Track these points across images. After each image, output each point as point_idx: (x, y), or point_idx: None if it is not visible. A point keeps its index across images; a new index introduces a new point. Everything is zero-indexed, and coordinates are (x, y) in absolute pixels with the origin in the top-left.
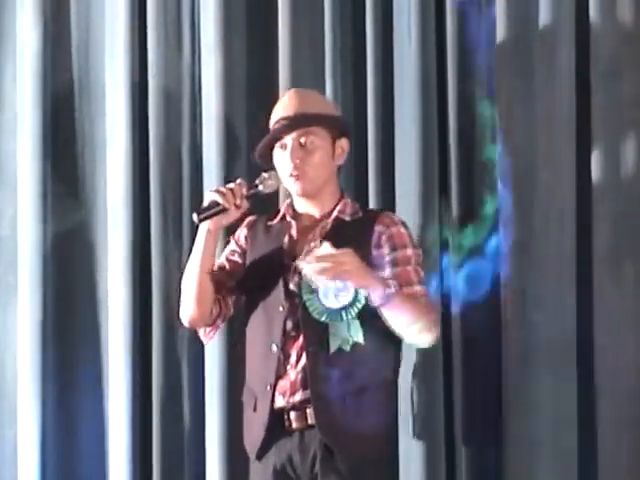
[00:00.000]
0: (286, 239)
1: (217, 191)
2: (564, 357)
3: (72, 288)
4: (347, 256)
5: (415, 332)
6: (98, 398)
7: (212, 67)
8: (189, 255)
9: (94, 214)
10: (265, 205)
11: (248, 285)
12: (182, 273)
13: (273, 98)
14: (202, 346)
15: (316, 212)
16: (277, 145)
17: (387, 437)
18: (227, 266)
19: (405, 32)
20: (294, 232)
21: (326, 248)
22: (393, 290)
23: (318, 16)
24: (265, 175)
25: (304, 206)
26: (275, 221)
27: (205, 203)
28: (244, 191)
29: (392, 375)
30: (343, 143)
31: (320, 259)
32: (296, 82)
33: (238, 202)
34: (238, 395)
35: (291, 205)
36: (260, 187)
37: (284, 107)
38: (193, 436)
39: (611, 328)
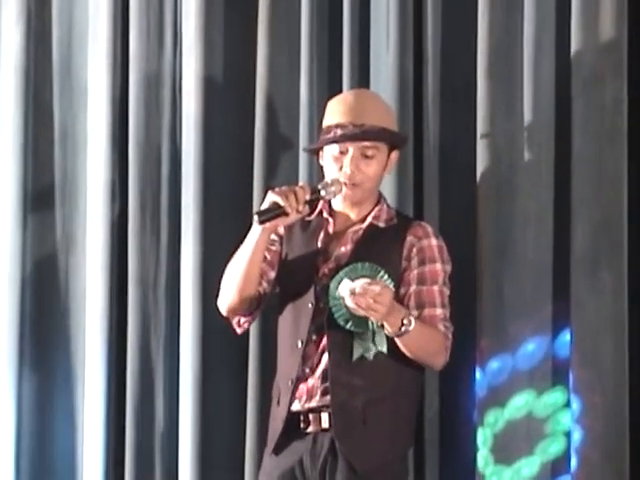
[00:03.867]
0: (321, 236)
1: (280, 193)
2: (541, 367)
3: (50, 284)
4: (384, 298)
5: (424, 358)
6: (73, 396)
7: (192, 66)
8: (167, 252)
9: (73, 209)
10: None
11: (282, 278)
12: (157, 270)
13: (251, 97)
14: (177, 345)
15: (353, 213)
16: (339, 147)
17: (402, 451)
18: (268, 256)
19: (383, 36)
20: (330, 230)
21: (376, 283)
22: (410, 328)
23: (295, 16)
24: (328, 181)
25: (342, 206)
26: (313, 216)
27: (266, 204)
28: (307, 196)
29: (414, 387)
30: (394, 155)
31: (363, 293)
32: (273, 82)
33: (300, 208)
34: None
35: (328, 202)
36: (322, 192)
37: (350, 110)
38: (166, 437)
39: (588, 338)
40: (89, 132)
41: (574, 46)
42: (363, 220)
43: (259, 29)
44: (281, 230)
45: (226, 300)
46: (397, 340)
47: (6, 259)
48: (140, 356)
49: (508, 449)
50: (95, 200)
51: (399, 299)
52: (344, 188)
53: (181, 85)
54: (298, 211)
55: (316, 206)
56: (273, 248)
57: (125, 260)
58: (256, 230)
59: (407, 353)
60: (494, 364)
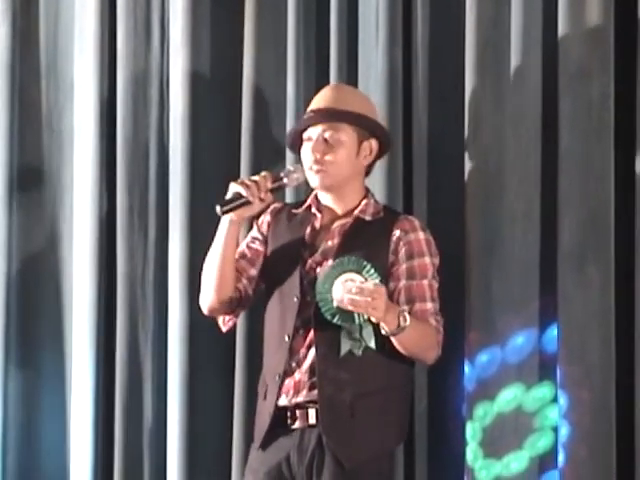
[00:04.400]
0: (308, 230)
1: (242, 183)
2: (528, 361)
3: (36, 281)
4: (380, 295)
5: (417, 353)
6: (61, 393)
7: (179, 63)
8: (154, 249)
9: (60, 208)
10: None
11: (267, 272)
12: (145, 267)
13: (238, 94)
14: (165, 342)
15: (339, 208)
16: (305, 136)
17: (391, 446)
18: (248, 254)
19: (372, 30)
20: (317, 224)
21: (370, 284)
22: (406, 324)
23: (282, 12)
24: (290, 168)
25: (328, 200)
26: (300, 210)
27: (228, 195)
28: (269, 184)
29: (404, 382)
30: (372, 144)
31: (360, 292)
32: (260, 79)
33: (262, 195)
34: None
35: (316, 197)
36: (285, 180)
37: (318, 100)
38: (154, 432)
39: (575, 333)
40: (76, 129)
41: (561, 41)
42: (350, 214)
43: (246, 25)
44: (264, 228)
45: (205, 300)
46: (392, 338)
47: None
48: (128, 352)
49: (497, 443)
50: (83, 197)
51: (388, 294)
52: (314, 175)
53: (169, 83)
54: (261, 199)
55: (305, 201)
56: (254, 246)
57: (113, 257)
58: (224, 224)
59: (401, 349)
60: (483, 358)
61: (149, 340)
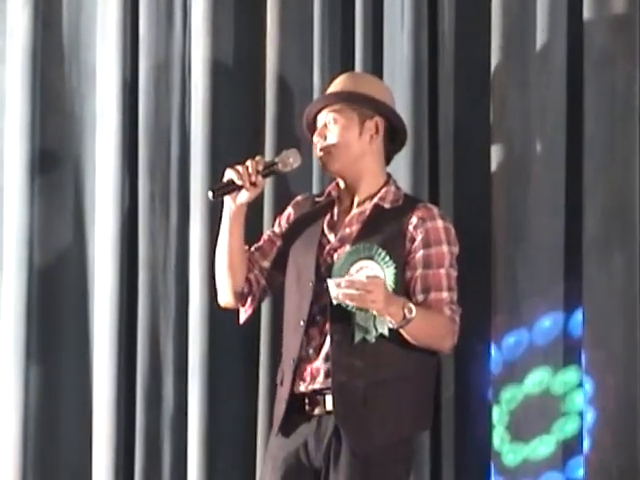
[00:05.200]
0: (328, 217)
1: (233, 167)
2: (554, 347)
3: (58, 268)
4: (376, 286)
5: (429, 344)
6: (83, 380)
7: (201, 48)
8: (176, 236)
9: (81, 194)
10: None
11: (286, 258)
12: (167, 253)
13: (260, 80)
14: (186, 328)
15: (358, 195)
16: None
17: (406, 434)
18: (263, 246)
19: (398, 16)
20: (336, 211)
21: (361, 275)
22: (412, 315)
23: None
24: (284, 153)
25: (347, 186)
26: (322, 198)
27: (224, 180)
28: (260, 168)
29: (421, 371)
30: (377, 122)
31: (350, 285)
32: (283, 65)
33: (253, 179)
34: None
35: (337, 184)
36: (279, 165)
37: (328, 90)
38: (175, 418)
39: (600, 319)
40: (98, 115)
41: (586, 26)
42: (369, 201)
43: (269, 11)
44: (284, 221)
45: (219, 291)
46: (400, 330)
47: (15, 244)
48: (149, 338)
49: (524, 427)
50: (104, 183)
51: (405, 283)
52: (321, 160)
53: (190, 69)
54: (252, 183)
55: (323, 190)
56: (270, 238)
57: (135, 243)
58: (225, 214)
59: (411, 340)
60: (510, 340)
61: (170, 326)
